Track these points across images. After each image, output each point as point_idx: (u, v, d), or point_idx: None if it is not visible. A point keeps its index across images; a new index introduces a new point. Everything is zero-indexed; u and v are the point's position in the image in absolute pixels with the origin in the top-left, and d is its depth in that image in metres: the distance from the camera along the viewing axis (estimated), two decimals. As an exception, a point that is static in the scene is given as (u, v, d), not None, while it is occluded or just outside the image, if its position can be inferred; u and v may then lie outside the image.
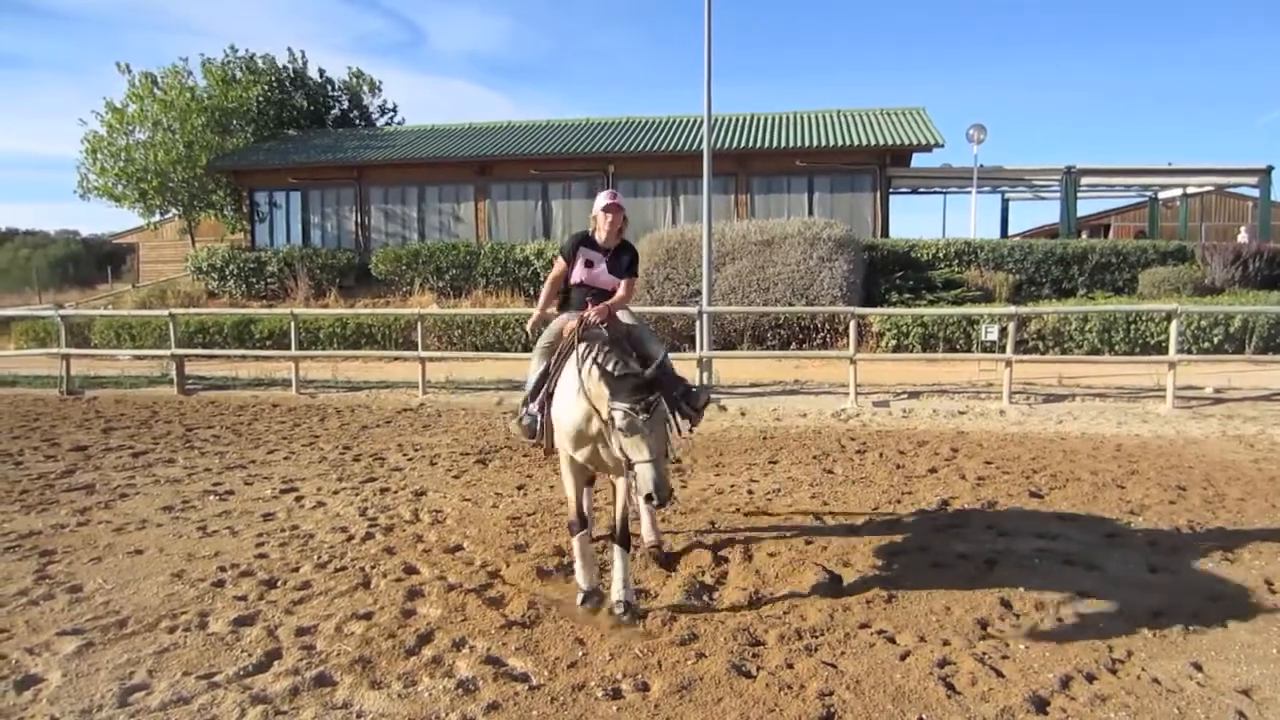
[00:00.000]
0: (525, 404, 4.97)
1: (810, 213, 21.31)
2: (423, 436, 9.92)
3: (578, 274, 5.07)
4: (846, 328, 14.95)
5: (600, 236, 5.02)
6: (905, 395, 12.43)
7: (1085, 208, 28.46)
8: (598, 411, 4.35)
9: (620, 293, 5.04)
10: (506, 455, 8.78)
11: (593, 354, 4.43)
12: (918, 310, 15.24)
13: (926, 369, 14.23)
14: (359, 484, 7.46)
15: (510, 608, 4.85)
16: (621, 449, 4.10)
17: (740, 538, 5.94)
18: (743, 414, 10.94)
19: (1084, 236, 24.31)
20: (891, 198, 21.85)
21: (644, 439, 4.06)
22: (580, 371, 4.51)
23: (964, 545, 5.80)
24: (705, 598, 4.96)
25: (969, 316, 14.86)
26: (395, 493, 7.18)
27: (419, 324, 13.93)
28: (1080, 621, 4.67)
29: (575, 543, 4.84)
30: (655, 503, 4.05)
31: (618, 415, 4.11)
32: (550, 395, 4.78)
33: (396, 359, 15.10)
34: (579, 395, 4.50)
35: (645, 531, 5.18)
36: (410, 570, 5.40)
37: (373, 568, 5.42)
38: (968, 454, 8.80)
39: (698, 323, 12.79)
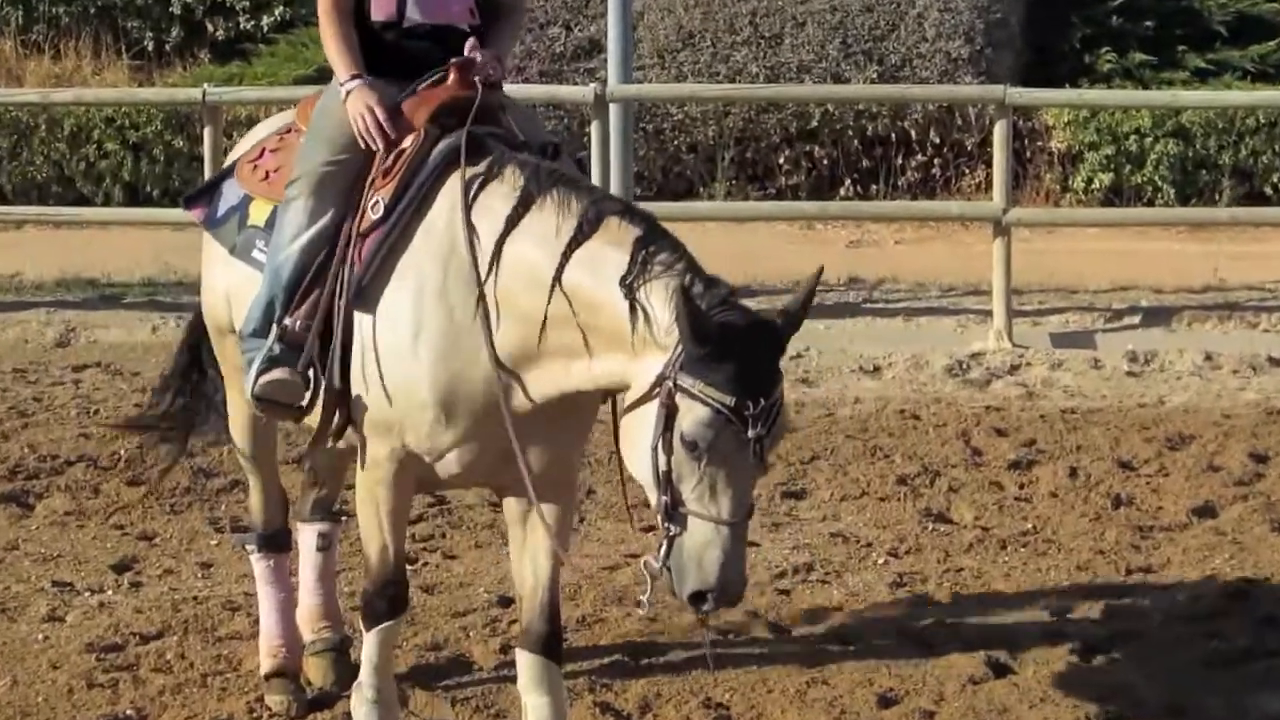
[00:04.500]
0: (273, 321, 5.20)
1: None
2: None
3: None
4: (984, 142, 15.01)
5: None
6: (1134, 316, 12.57)
7: None
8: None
9: (508, 24, 5.56)
10: (84, 481, 8.70)
11: (580, 219, 4.69)
12: (1163, 95, 15.38)
13: (1184, 247, 14.34)
14: None
15: None
16: (670, 478, 4.45)
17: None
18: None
19: None
20: None
21: (733, 474, 4.43)
22: (477, 250, 4.81)
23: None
24: None
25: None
26: None
27: None
28: None
29: (373, 644, 5.17)
30: (708, 606, 4.43)
31: (695, 419, 4.39)
32: (359, 294, 5.06)
33: None
34: (469, 309, 4.82)
35: None
36: None
37: None
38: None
39: (593, 125, 12.93)
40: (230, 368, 5.83)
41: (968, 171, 16.12)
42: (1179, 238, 14.59)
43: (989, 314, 12.19)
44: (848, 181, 16.30)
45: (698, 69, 16.69)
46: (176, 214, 13.25)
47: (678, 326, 4.33)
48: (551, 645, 5.05)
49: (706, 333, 4.28)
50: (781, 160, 16.49)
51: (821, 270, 4.70)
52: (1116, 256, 13.81)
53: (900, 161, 16.37)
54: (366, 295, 4.93)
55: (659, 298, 4.41)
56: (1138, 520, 7.98)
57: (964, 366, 11.46)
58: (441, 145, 4.97)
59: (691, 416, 4.32)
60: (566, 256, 4.58)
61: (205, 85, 14.27)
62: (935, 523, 7.99)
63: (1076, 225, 14.44)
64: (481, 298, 4.73)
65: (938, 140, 16.35)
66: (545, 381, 4.73)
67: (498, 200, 4.77)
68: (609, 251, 4.53)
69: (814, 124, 16.38)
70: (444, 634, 6.48)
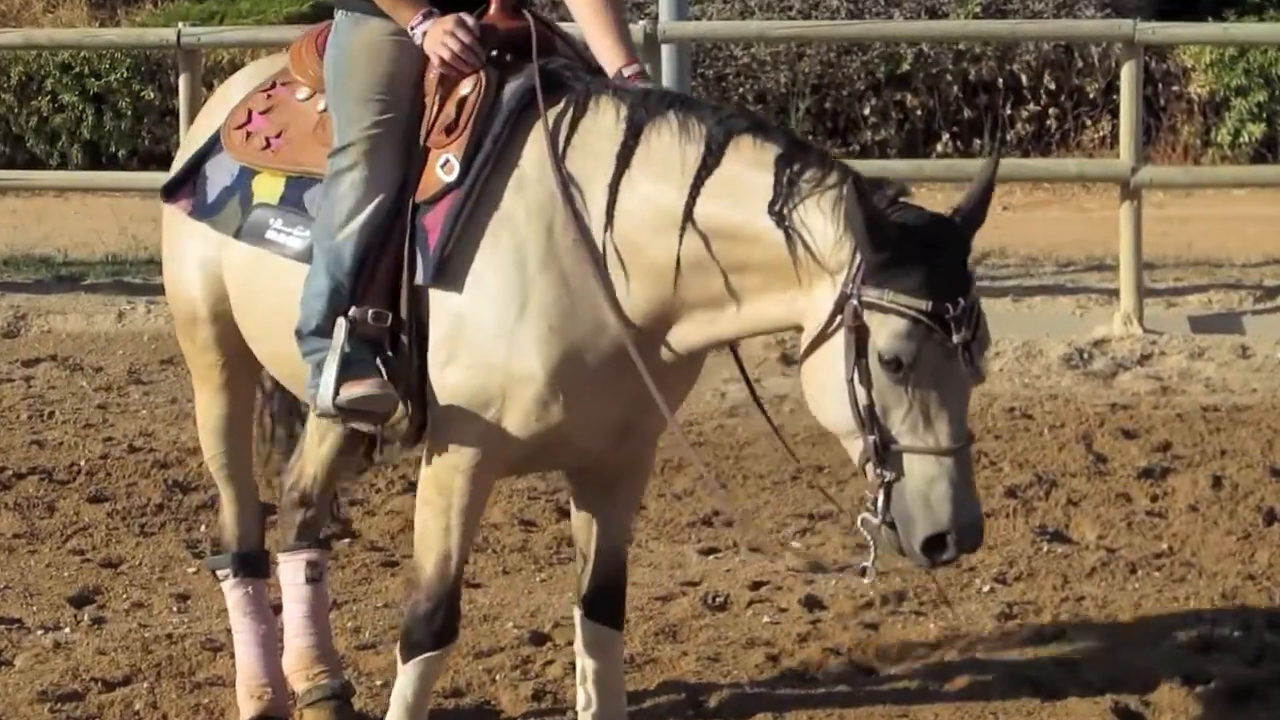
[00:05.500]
0: (337, 314, 5.22)
1: None
2: None
3: None
4: (1110, 88, 15.03)
5: None
6: (1285, 292, 12.55)
7: None
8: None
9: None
10: (36, 497, 8.72)
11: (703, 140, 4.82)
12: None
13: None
14: None
15: None
16: (875, 413, 4.57)
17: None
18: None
19: None
20: None
21: (945, 393, 4.58)
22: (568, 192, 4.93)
23: None
24: None
25: None
26: None
27: None
28: None
29: (409, 680, 5.25)
30: (947, 553, 4.56)
31: (891, 333, 4.51)
32: (440, 269, 5.14)
33: None
34: (585, 272, 4.94)
35: None
36: None
37: None
38: None
39: (644, 72, 12.76)
40: (201, 363, 5.92)
41: (1089, 123, 16.12)
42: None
43: (1115, 293, 12.17)
44: (946, 136, 16.34)
45: (767, 3, 16.71)
46: (145, 178, 13.24)
47: (851, 235, 4.45)
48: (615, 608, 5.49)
49: (886, 234, 4.41)
50: (867, 111, 16.53)
51: (998, 158, 4.77)
52: (1268, 224, 13.76)
53: (1009, 112, 16.37)
54: (448, 269, 5.00)
55: (817, 217, 4.53)
56: (1298, 539, 7.95)
57: (1085, 356, 11.43)
58: (512, 85, 5.04)
59: (887, 331, 4.43)
60: (697, 188, 4.69)
61: (180, 25, 14.15)
62: (1051, 542, 7.97)
63: (1220, 186, 14.38)
64: (600, 255, 4.83)
65: (1053, 86, 16.35)
66: (690, 337, 4.90)
67: (599, 139, 4.87)
68: (749, 176, 4.65)
69: (905, 68, 16.40)
70: (466, 677, 6.46)
